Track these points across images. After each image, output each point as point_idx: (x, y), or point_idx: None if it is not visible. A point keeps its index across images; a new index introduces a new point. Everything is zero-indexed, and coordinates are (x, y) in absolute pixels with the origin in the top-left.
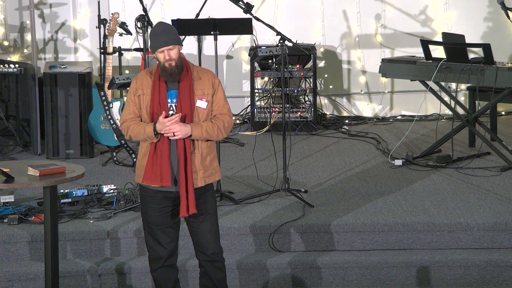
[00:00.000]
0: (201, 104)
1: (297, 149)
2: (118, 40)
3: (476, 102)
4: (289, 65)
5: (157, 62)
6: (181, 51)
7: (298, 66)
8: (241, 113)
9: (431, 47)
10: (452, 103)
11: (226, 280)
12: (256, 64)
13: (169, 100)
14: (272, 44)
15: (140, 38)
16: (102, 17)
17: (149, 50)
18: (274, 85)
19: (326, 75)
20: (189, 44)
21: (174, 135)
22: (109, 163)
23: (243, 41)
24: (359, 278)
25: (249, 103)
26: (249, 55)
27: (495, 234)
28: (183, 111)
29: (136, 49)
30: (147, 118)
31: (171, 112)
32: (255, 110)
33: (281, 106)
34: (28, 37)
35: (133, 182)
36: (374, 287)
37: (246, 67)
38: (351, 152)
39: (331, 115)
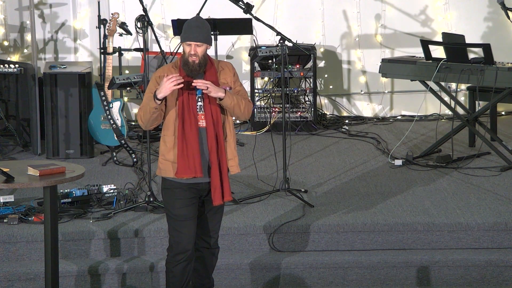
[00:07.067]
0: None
1: (297, 149)
2: (118, 40)
3: (476, 102)
4: (289, 65)
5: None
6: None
7: (298, 66)
8: None
9: (431, 47)
10: (452, 103)
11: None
12: (256, 64)
13: (197, 92)
14: (272, 44)
15: (140, 38)
16: (102, 17)
17: (149, 50)
18: (274, 85)
19: (326, 75)
20: None
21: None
22: (109, 163)
23: (243, 41)
24: (359, 278)
25: None
26: (249, 55)
27: (495, 234)
28: (210, 101)
29: (136, 49)
30: (176, 110)
31: (199, 104)
32: (255, 110)
33: (281, 106)
34: (28, 37)
35: (133, 182)
36: (374, 287)
37: (246, 67)
38: (351, 152)
39: (331, 115)
